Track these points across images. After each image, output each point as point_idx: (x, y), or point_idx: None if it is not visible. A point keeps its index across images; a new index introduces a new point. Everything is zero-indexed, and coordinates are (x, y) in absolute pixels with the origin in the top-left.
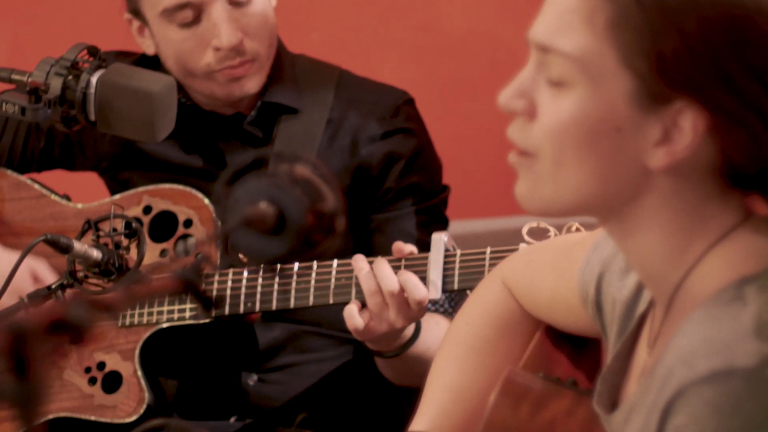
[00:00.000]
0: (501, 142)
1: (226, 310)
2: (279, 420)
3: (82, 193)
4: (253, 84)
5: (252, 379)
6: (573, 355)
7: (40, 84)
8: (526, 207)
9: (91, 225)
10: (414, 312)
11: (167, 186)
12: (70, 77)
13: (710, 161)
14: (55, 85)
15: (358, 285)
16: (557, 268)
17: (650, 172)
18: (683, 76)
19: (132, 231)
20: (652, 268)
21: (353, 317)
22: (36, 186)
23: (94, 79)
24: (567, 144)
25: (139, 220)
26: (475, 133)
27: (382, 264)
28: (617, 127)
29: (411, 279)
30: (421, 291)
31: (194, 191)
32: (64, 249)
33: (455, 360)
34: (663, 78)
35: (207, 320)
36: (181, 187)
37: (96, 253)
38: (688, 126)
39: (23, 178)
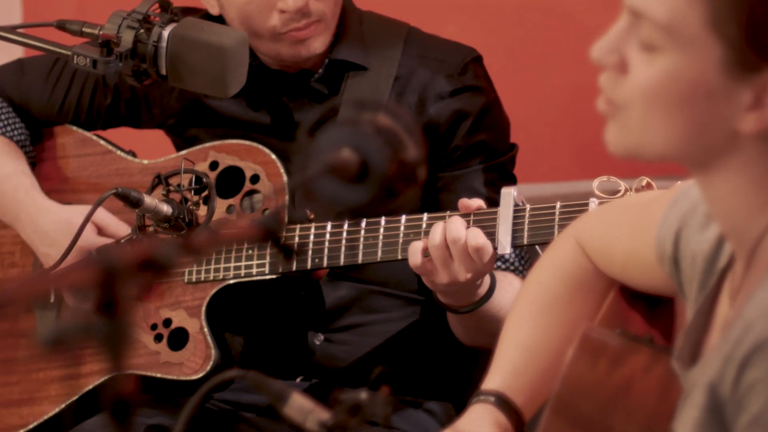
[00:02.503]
0: (567, 105)
1: (293, 266)
2: (345, 380)
3: (146, 149)
4: (318, 44)
5: (318, 339)
6: (647, 314)
7: (112, 37)
8: (613, 152)
9: (161, 180)
10: (477, 264)
11: (234, 141)
12: (142, 31)
13: None
14: (127, 38)
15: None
16: (633, 225)
17: (739, 135)
18: None
19: (201, 186)
20: (735, 220)
21: (415, 254)
22: (101, 142)
23: (166, 33)
24: (657, 106)
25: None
26: (540, 96)
27: (454, 217)
28: (708, 93)
29: (472, 231)
30: (479, 239)
31: (261, 146)
32: (135, 203)
33: (528, 318)
34: (753, 47)
35: (274, 276)
36: (247, 142)
37: (166, 208)
38: None
39: (89, 134)
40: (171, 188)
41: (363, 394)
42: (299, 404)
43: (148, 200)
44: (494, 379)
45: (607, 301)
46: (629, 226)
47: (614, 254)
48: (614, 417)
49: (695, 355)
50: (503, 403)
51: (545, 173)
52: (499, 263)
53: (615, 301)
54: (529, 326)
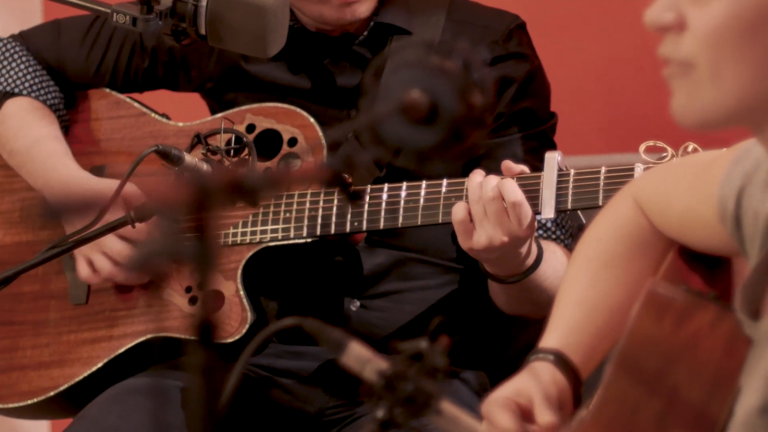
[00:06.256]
0: (605, 79)
1: (332, 229)
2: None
3: (179, 112)
4: (364, 9)
5: (354, 305)
6: (707, 275)
7: None
8: (685, 120)
9: (201, 139)
10: (513, 225)
11: (271, 104)
12: None
13: None
14: None
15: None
16: (692, 183)
17: None
18: None
19: (240, 147)
20: None
21: (459, 210)
22: (135, 104)
23: None
24: (725, 46)
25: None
26: (573, 70)
27: (491, 176)
28: None
29: (507, 183)
30: (516, 194)
31: (299, 110)
32: (175, 161)
33: (586, 275)
34: None
35: (311, 239)
36: (285, 105)
37: (206, 167)
38: None
39: (122, 96)
40: (210, 148)
41: (423, 343)
42: (357, 353)
43: (189, 159)
44: (552, 337)
45: (665, 262)
46: (688, 184)
47: (672, 213)
48: (679, 373)
49: (756, 309)
50: (562, 361)
51: (579, 147)
52: (540, 231)
53: (674, 262)
54: (587, 283)
